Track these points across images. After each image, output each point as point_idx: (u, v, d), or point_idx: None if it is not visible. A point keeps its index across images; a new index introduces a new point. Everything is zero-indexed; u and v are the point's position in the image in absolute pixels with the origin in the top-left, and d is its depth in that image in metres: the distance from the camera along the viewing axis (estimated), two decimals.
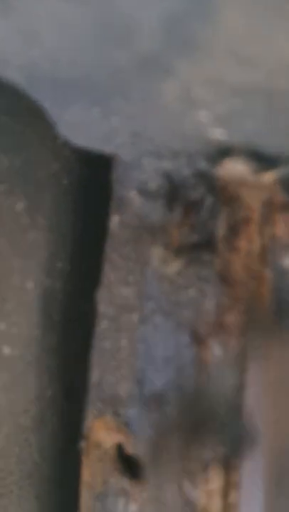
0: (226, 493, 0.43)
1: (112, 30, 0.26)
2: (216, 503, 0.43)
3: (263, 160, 0.41)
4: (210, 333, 0.43)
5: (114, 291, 0.47)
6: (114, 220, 0.47)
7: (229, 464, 0.43)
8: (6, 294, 0.44)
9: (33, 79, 0.33)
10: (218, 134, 0.37)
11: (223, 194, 0.43)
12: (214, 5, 0.23)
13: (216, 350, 0.43)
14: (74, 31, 0.27)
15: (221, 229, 0.43)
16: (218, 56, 0.26)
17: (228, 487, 0.43)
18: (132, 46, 0.26)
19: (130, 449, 0.45)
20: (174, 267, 0.44)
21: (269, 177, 0.41)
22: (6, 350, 0.44)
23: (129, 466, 0.46)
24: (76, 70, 0.30)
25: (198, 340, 0.44)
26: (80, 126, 0.37)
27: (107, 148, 0.42)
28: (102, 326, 0.47)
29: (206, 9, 0.24)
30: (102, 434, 0.46)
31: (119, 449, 0.46)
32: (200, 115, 0.34)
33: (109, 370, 0.46)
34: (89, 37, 0.26)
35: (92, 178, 0.47)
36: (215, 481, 0.43)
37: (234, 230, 0.43)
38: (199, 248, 0.43)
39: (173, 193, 0.45)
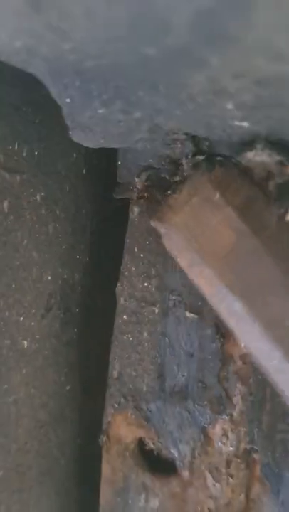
0: (248, 487, 0.43)
1: (146, 25, 0.24)
2: (239, 498, 0.43)
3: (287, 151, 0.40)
4: None
5: (135, 284, 0.46)
6: (135, 211, 0.46)
7: (251, 459, 0.43)
8: (26, 286, 0.43)
9: (58, 70, 0.32)
10: (243, 124, 0.36)
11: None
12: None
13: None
14: (107, 26, 0.25)
15: None
16: (250, 48, 0.25)
17: (251, 482, 0.43)
18: (164, 40, 0.25)
19: (151, 444, 0.45)
20: None
21: None
22: (25, 344, 0.43)
23: (151, 461, 0.45)
24: (104, 60, 0.28)
25: (222, 333, 0.43)
26: (100, 124, 0.36)
27: (124, 145, 0.40)
28: (123, 319, 0.46)
29: (240, 3, 0.23)
30: (123, 429, 0.45)
31: (140, 444, 0.45)
32: (227, 105, 0.33)
33: (130, 364, 0.45)
34: (122, 31, 0.25)
35: (111, 168, 0.46)
36: (237, 476, 0.43)
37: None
38: None
39: None
